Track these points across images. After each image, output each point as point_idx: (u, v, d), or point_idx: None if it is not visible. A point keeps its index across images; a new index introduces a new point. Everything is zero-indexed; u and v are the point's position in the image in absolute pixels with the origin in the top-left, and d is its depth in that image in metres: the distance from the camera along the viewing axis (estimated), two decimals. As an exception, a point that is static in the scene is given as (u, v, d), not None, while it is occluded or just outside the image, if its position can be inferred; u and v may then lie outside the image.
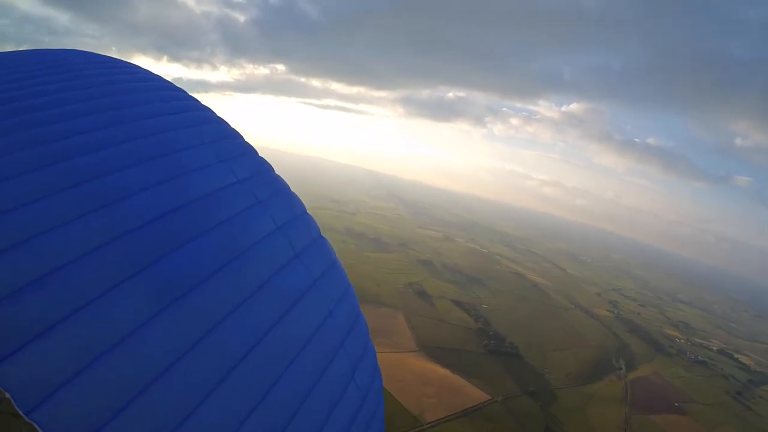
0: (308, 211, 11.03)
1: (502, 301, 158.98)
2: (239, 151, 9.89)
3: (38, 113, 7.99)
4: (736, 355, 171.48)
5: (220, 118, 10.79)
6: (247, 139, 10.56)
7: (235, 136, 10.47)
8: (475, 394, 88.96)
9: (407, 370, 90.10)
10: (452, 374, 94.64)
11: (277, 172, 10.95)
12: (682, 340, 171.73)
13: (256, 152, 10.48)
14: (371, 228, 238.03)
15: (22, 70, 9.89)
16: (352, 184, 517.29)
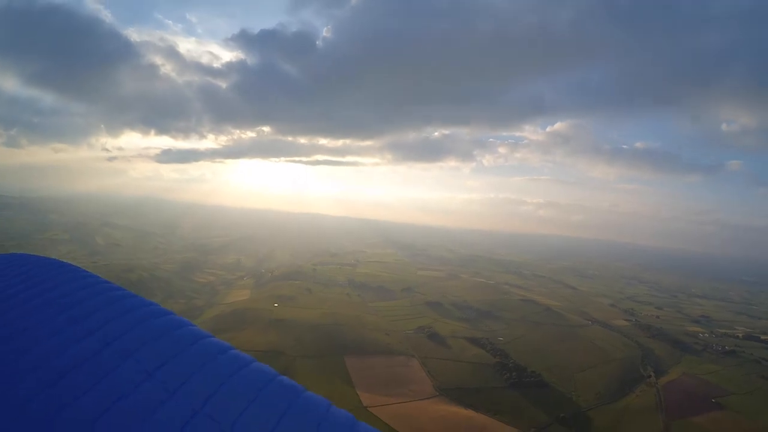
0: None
1: (518, 331, 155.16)
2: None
3: None
4: (763, 337, 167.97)
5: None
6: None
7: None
8: (503, 431, 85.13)
9: (429, 417, 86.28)
10: (477, 414, 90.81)
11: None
12: (706, 334, 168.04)
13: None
14: (373, 277, 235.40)
15: None
16: (348, 236, 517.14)
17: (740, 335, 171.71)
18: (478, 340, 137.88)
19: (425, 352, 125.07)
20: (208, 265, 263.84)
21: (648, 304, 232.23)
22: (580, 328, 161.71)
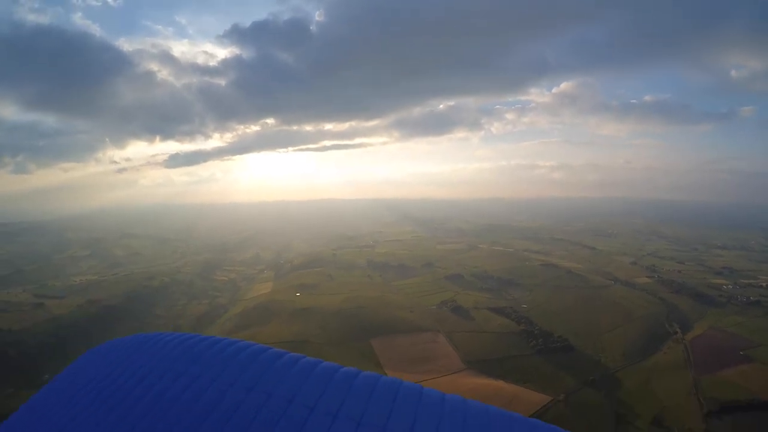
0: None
1: (540, 297, 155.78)
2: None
3: None
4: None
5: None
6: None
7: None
8: (534, 398, 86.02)
9: (459, 391, 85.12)
10: (506, 384, 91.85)
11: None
12: (730, 286, 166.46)
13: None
14: (392, 256, 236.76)
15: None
16: (363, 218, 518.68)
17: (764, 284, 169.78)
18: (501, 310, 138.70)
19: (450, 326, 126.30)
20: (228, 262, 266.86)
21: (669, 259, 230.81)
22: (602, 288, 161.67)
